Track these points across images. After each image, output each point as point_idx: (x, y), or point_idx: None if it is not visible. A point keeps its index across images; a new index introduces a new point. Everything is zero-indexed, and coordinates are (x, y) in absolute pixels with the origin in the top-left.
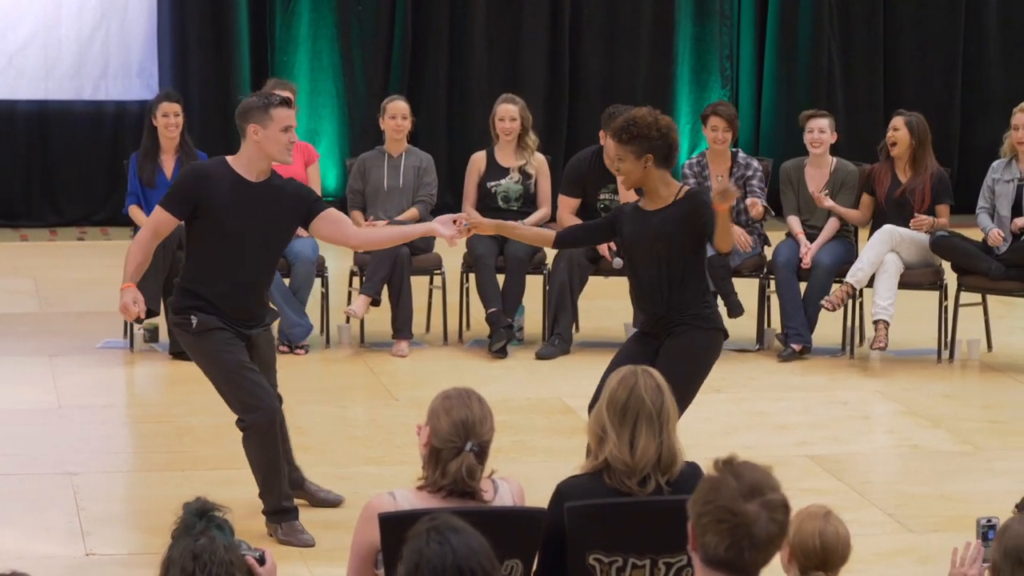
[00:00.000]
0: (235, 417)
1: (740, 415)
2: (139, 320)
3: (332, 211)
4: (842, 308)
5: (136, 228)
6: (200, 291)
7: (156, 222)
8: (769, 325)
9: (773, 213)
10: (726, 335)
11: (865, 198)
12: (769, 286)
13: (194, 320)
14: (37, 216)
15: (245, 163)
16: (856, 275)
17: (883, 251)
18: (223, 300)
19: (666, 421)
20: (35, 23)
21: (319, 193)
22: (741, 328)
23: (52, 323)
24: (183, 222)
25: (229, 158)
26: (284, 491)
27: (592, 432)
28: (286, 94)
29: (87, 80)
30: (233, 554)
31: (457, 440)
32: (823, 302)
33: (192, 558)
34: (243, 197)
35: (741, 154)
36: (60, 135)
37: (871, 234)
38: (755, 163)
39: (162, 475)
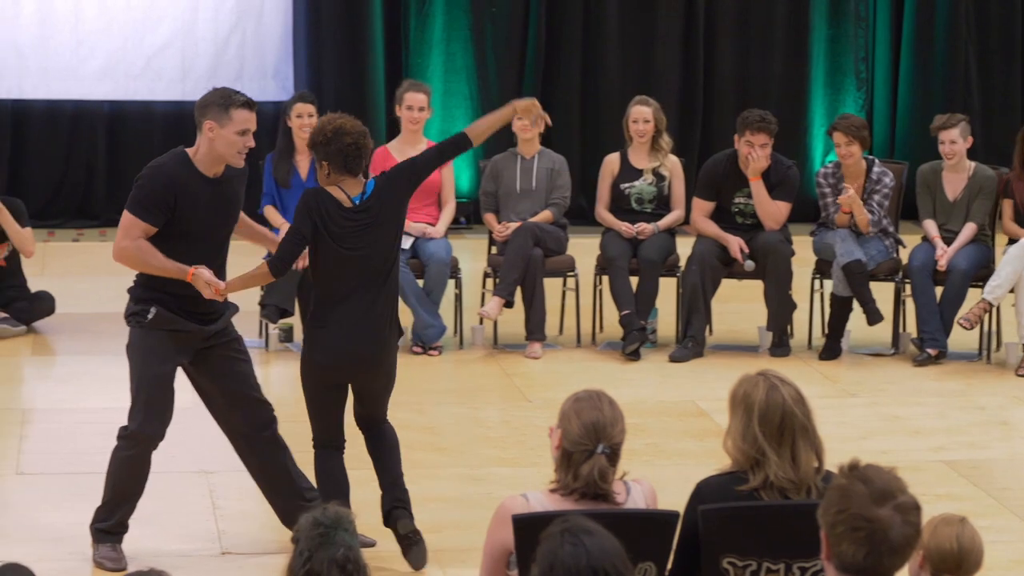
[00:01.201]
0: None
1: (875, 420)
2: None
3: (242, 217)
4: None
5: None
6: (162, 286)
7: (141, 231)
8: (904, 329)
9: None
10: (312, 365)
11: (1005, 204)
12: (904, 290)
13: (152, 312)
14: None
15: (201, 159)
16: (994, 292)
17: (1020, 266)
18: (185, 297)
19: (814, 427)
20: (172, 26)
21: (453, 193)
22: (876, 332)
23: None
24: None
25: (189, 151)
26: (124, 517)
27: (744, 453)
28: (247, 98)
29: (223, 82)
30: (364, 558)
31: (588, 443)
32: (960, 321)
33: (339, 569)
34: (206, 197)
35: (876, 167)
36: (197, 135)
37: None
38: (887, 179)
39: None
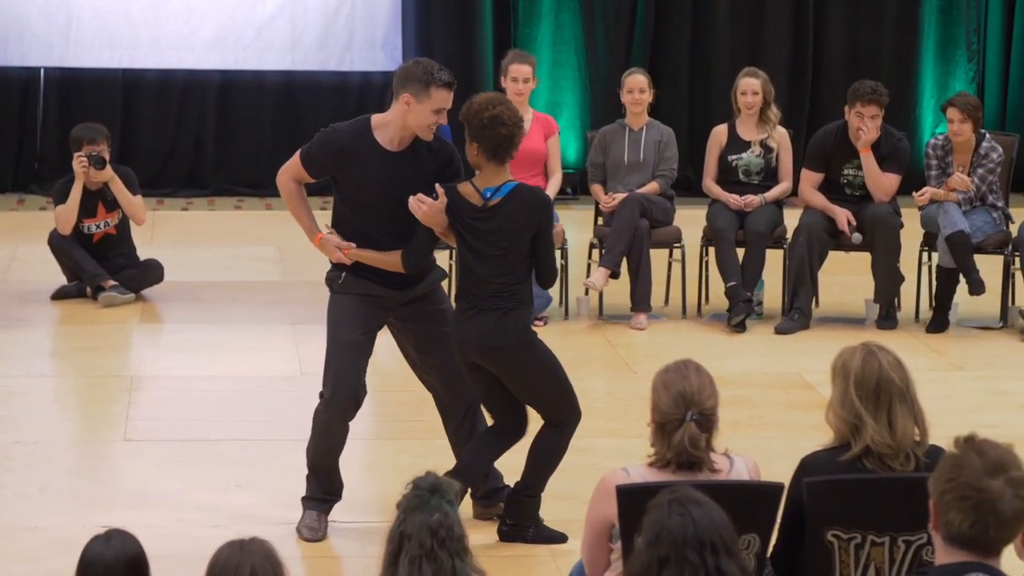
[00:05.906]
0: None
1: (983, 394)
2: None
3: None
4: None
5: None
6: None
7: (297, 172)
8: (1013, 303)
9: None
10: None
11: None
12: (1014, 263)
13: (342, 277)
14: None
15: (389, 128)
16: None
17: None
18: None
19: (914, 395)
20: None
21: (560, 164)
22: (984, 306)
23: (295, 291)
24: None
25: (375, 119)
26: (326, 483)
27: (843, 420)
28: (449, 78)
29: (333, 52)
30: (463, 529)
31: (677, 412)
32: None
33: (430, 533)
34: (381, 168)
35: (986, 142)
36: (306, 105)
37: None
38: (995, 155)
39: (402, 443)
